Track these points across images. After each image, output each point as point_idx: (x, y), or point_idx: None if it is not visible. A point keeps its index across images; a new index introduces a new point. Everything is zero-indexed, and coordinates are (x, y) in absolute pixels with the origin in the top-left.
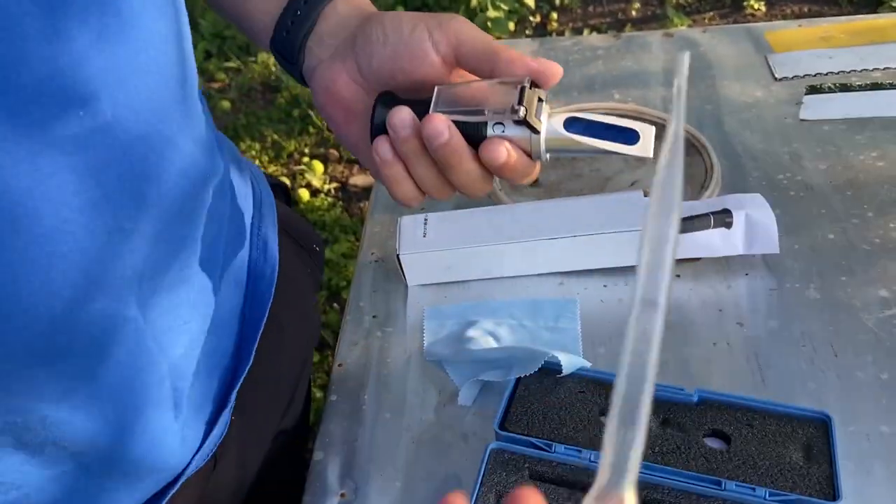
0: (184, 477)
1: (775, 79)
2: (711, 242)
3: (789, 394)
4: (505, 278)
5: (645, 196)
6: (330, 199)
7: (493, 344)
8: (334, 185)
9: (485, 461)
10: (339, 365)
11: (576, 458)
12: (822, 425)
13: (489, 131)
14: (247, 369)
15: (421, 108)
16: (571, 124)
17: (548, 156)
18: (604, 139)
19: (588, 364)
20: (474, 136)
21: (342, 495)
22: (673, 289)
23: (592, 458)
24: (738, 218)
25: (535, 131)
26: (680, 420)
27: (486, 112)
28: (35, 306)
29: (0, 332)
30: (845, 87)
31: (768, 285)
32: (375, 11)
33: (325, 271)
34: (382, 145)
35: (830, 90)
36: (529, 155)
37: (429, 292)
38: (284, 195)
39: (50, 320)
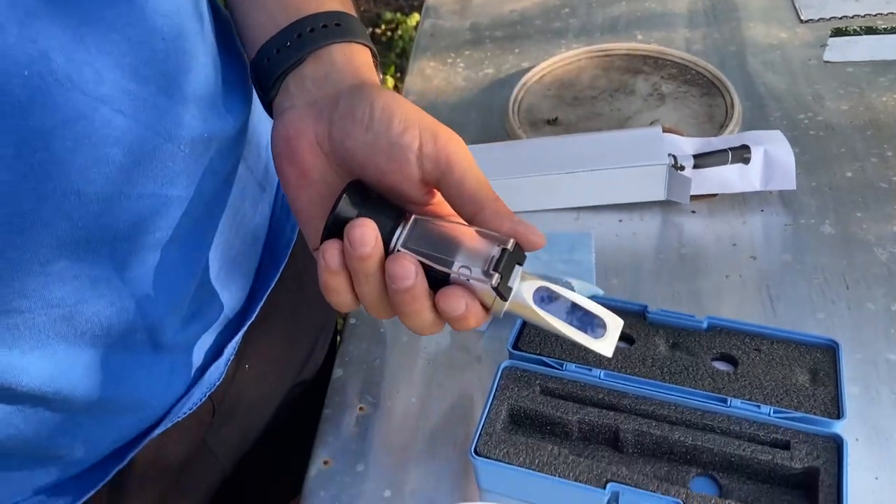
0: (168, 421)
1: (801, 21)
2: (728, 178)
3: (799, 324)
4: (521, 213)
5: (664, 132)
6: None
7: None
8: None
9: (498, 377)
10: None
11: (586, 375)
12: (830, 351)
13: (453, 276)
14: (248, 324)
15: (388, 222)
16: (541, 294)
17: (503, 315)
18: (569, 321)
19: (601, 291)
20: (437, 279)
21: (360, 409)
22: (687, 224)
23: (602, 376)
24: (757, 154)
25: (504, 298)
26: (689, 345)
27: (455, 263)
28: (86, 183)
29: (49, 211)
30: (871, 30)
31: (783, 221)
32: (374, 83)
33: None
34: (331, 251)
35: (856, 33)
36: (487, 309)
37: None
38: None
39: (90, 201)
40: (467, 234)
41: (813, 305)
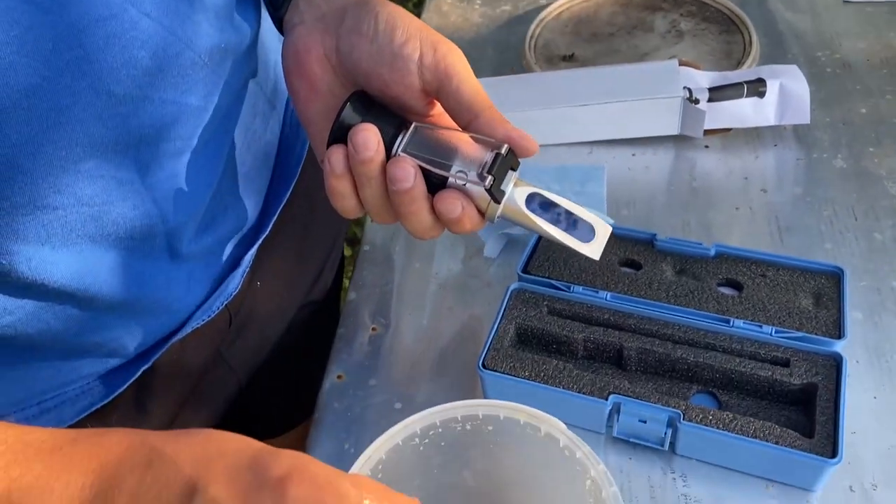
0: (189, 326)
1: None
2: (743, 112)
3: (807, 254)
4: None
5: (680, 65)
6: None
7: None
8: None
9: (506, 298)
10: (372, 220)
11: (593, 297)
12: (834, 277)
13: (450, 181)
14: (262, 238)
15: (390, 129)
16: (532, 200)
17: (498, 219)
18: (559, 226)
19: (611, 220)
20: (434, 183)
21: (373, 329)
22: (700, 158)
23: (609, 298)
24: (772, 87)
25: (496, 201)
26: (695, 271)
27: (452, 167)
28: (115, 84)
29: (82, 109)
30: None
31: (796, 155)
32: None
33: None
34: (336, 155)
35: None
36: (482, 213)
37: None
38: None
39: (119, 102)
40: (464, 141)
41: (821, 236)
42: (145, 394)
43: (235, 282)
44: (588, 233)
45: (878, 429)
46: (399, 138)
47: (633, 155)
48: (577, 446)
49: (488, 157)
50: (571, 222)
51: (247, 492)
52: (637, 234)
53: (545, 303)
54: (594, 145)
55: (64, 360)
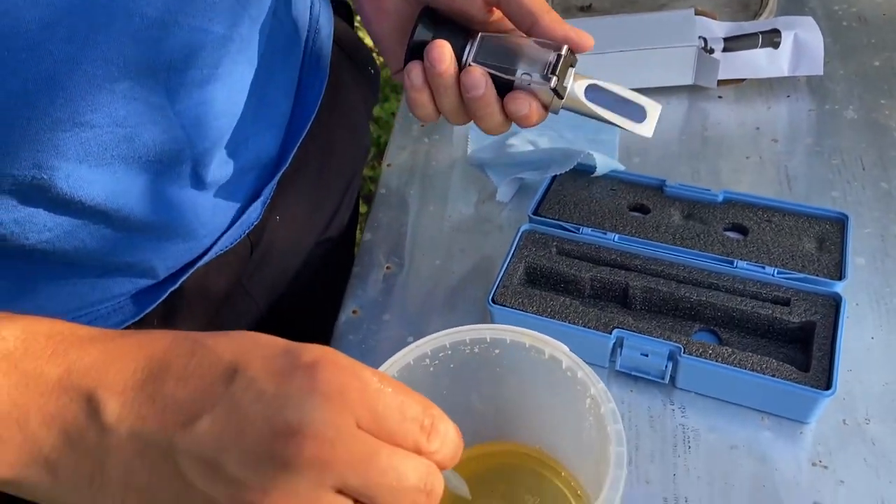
0: (213, 252)
1: None
2: (757, 63)
3: (813, 201)
4: None
5: (696, 14)
6: (382, 59)
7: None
8: None
9: (517, 239)
10: (388, 165)
11: (601, 238)
12: (838, 223)
13: (517, 83)
14: (283, 169)
15: (459, 41)
16: (591, 91)
17: (560, 111)
18: (614, 111)
19: (622, 167)
20: (503, 85)
21: (388, 268)
22: (713, 109)
23: (616, 239)
24: (787, 38)
25: (560, 97)
26: (703, 215)
27: (518, 71)
28: (147, 5)
29: (118, 30)
30: None
31: (808, 106)
32: None
33: (375, 129)
34: (415, 70)
35: None
36: (546, 108)
37: None
38: (347, 15)
39: (150, 25)
40: (527, 45)
41: (829, 185)
42: (172, 317)
43: (256, 212)
44: (640, 114)
45: (874, 367)
46: (468, 48)
47: None
48: (579, 367)
49: (551, 57)
50: (626, 107)
51: (280, 373)
52: (647, 181)
53: (554, 243)
54: None
55: (97, 278)
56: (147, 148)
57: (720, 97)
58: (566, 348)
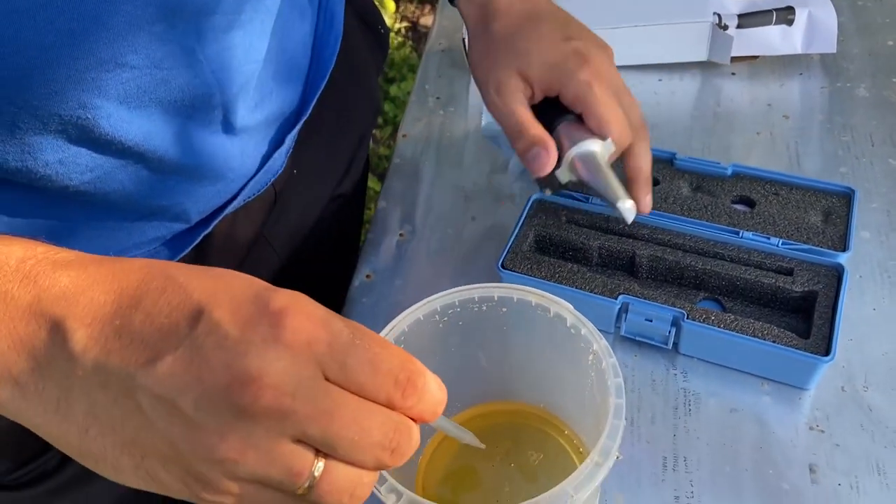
0: (241, 197)
1: None
2: (770, 39)
3: (821, 176)
4: None
5: None
6: (399, 38)
7: None
8: (405, 24)
9: (527, 207)
10: (404, 135)
11: (609, 209)
12: (845, 197)
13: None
14: (303, 119)
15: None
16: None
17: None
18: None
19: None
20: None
21: (401, 235)
22: (726, 85)
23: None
24: (801, 15)
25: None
26: (711, 188)
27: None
28: None
29: None
30: None
31: (820, 84)
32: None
33: (391, 108)
34: (552, 149)
35: None
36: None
37: None
38: None
39: None
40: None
41: (837, 160)
42: (201, 263)
43: (280, 159)
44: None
45: (875, 337)
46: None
47: (660, 80)
48: (583, 324)
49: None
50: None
51: (247, 319)
52: (657, 153)
53: (563, 212)
54: (622, 70)
55: (134, 222)
56: (181, 91)
57: (733, 73)
58: (570, 307)
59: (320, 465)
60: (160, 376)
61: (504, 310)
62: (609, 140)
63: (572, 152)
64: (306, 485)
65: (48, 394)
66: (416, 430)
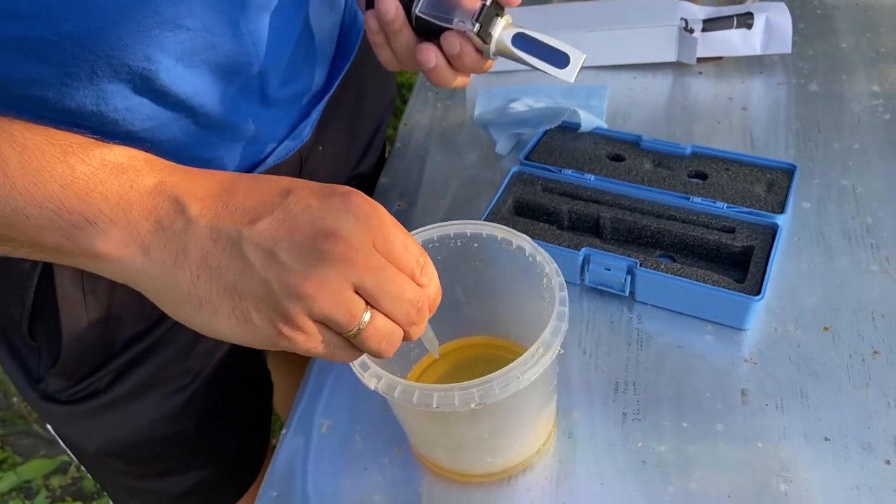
0: (272, 158)
1: None
2: (732, 41)
3: (771, 157)
4: None
5: (678, 0)
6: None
7: None
8: None
9: (508, 177)
10: (405, 124)
11: (580, 178)
12: (788, 172)
13: (454, 29)
14: (327, 96)
15: None
16: (518, 38)
17: (496, 57)
18: (539, 57)
19: (605, 125)
20: (442, 33)
21: (398, 206)
22: (694, 83)
23: (593, 180)
24: (759, 20)
25: (484, 42)
26: (671, 164)
27: (454, 19)
28: None
29: None
30: None
31: (777, 81)
32: None
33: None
34: (371, 18)
35: None
36: (480, 52)
37: (482, 78)
38: None
39: None
40: None
41: (786, 144)
42: None
43: (307, 129)
44: (564, 61)
45: (808, 289)
46: (416, 1)
47: (634, 78)
48: (538, 252)
49: (478, 7)
50: (551, 54)
51: (324, 195)
52: (625, 136)
53: (539, 182)
54: (600, 70)
55: None
56: (226, 56)
57: (700, 73)
58: (529, 239)
59: (367, 315)
60: (261, 231)
61: (476, 245)
62: (494, 1)
63: (502, 39)
64: (356, 329)
65: (169, 249)
66: (427, 307)
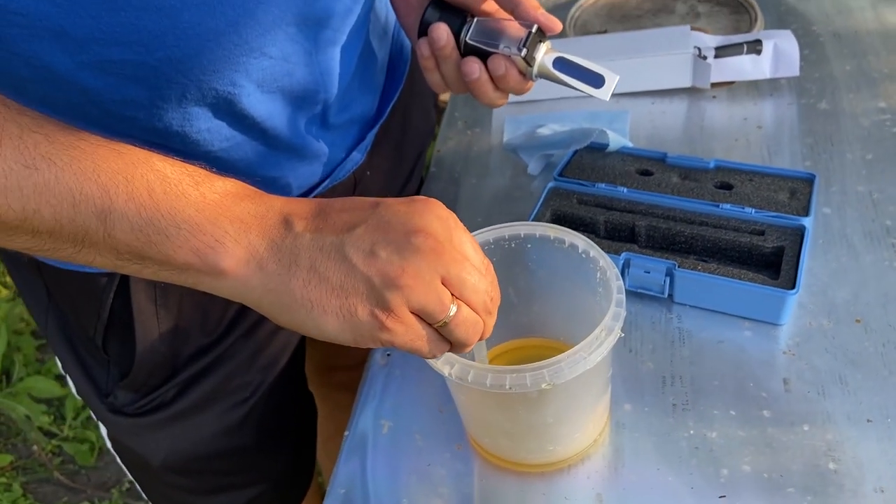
0: (330, 179)
1: None
2: (743, 67)
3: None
4: (570, 98)
5: (691, 30)
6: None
7: None
8: None
9: (544, 193)
10: (438, 150)
11: (613, 191)
12: (808, 181)
13: (500, 54)
14: (380, 122)
15: (457, 22)
16: (558, 62)
17: (537, 78)
18: (578, 78)
19: (630, 144)
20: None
21: None
22: (709, 106)
23: (625, 192)
24: (768, 46)
25: (529, 65)
26: (697, 177)
27: (500, 44)
28: None
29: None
30: None
31: (788, 101)
32: None
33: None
34: (423, 45)
35: None
36: (523, 74)
37: (508, 107)
38: None
39: None
40: (510, 26)
41: (802, 157)
42: None
43: (361, 153)
44: (600, 82)
45: (836, 285)
46: (465, 29)
47: (653, 103)
48: (591, 247)
49: (524, 34)
50: (588, 75)
51: (408, 202)
52: (651, 153)
53: (575, 196)
54: (620, 97)
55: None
56: (298, 84)
57: (714, 97)
58: (582, 236)
59: (454, 307)
60: (359, 235)
61: (529, 246)
62: (536, 27)
63: (545, 63)
64: (445, 319)
65: (283, 262)
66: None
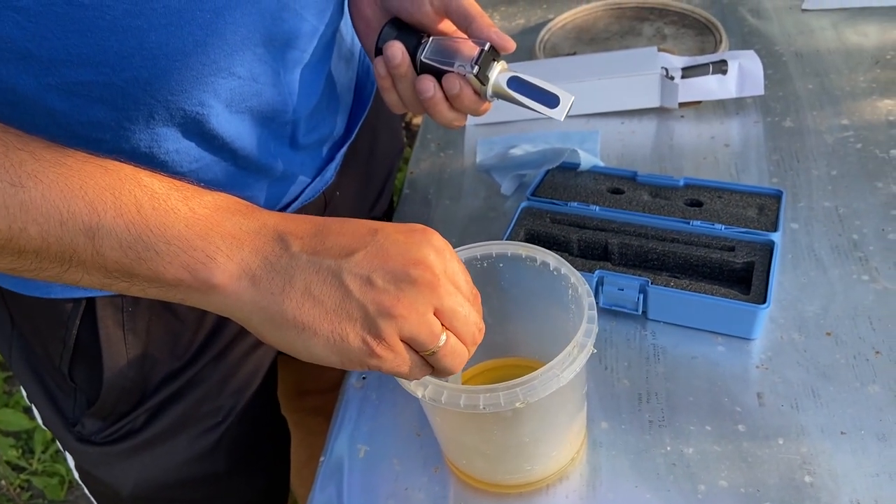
0: (300, 199)
1: None
2: (709, 87)
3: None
4: (541, 119)
5: (658, 51)
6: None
7: None
8: None
9: (517, 213)
10: (411, 172)
11: (585, 210)
12: (776, 197)
13: (455, 72)
14: (348, 142)
15: (413, 41)
16: (513, 81)
17: (493, 98)
18: (532, 98)
19: (602, 163)
20: (445, 75)
21: None
22: (678, 126)
23: (598, 210)
24: (733, 66)
25: (482, 83)
26: (667, 194)
27: (455, 63)
28: None
29: (244, 11)
30: None
31: (754, 119)
32: None
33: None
34: (380, 64)
35: None
36: (477, 93)
37: (481, 129)
38: None
39: (273, 5)
40: (464, 44)
41: (770, 174)
42: None
43: (330, 173)
44: (555, 102)
45: (805, 299)
46: (421, 48)
47: (622, 123)
48: (562, 264)
49: (476, 52)
50: (543, 95)
51: (406, 231)
52: (622, 172)
53: (548, 215)
54: (591, 117)
55: None
56: (267, 104)
57: (682, 116)
58: (553, 253)
59: (444, 336)
60: (358, 261)
61: (501, 265)
62: (489, 45)
63: (499, 82)
64: (434, 349)
65: (276, 281)
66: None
